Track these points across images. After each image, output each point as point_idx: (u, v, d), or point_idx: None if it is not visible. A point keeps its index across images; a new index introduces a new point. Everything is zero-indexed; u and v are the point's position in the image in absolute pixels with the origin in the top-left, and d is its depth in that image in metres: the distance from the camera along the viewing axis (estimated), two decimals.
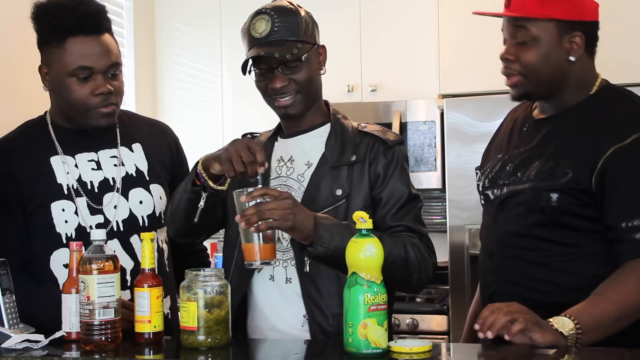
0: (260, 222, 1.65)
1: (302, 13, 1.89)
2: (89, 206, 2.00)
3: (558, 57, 1.82)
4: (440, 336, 3.26)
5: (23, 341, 1.70)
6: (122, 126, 2.11)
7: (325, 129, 1.96)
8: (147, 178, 2.09)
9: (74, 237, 1.96)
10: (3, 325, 1.76)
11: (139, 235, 1.88)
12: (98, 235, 1.69)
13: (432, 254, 1.84)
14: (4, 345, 1.69)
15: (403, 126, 3.56)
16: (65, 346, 1.73)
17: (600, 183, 1.75)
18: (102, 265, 1.66)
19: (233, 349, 1.69)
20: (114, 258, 1.69)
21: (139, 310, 1.70)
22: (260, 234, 1.68)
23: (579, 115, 1.85)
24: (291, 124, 1.97)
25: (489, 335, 1.55)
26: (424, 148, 3.56)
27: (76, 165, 2.01)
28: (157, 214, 2.08)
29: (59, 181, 1.99)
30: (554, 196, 1.78)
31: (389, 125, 3.30)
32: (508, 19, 1.86)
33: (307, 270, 1.82)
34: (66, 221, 1.97)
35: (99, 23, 1.97)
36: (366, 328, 1.52)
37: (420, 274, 1.80)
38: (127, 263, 2.00)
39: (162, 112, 3.95)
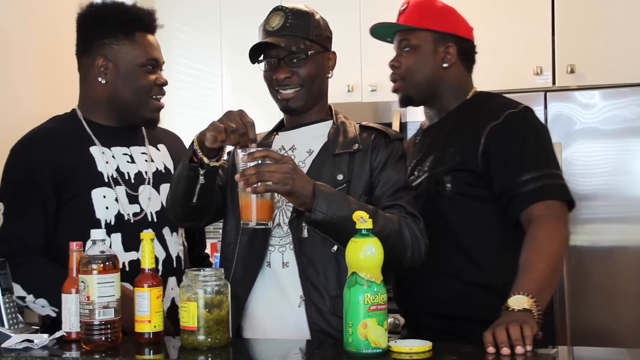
0: (259, 184, 1.65)
1: (317, 17, 1.96)
2: (127, 195, 2.08)
3: (433, 63, 2.09)
4: None
5: (23, 341, 1.70)
6: (147, 129, 2.24)
7: (328, 123, 2.00)
8: None
9: (112, 223, 2.04)
10: (3, 325, 1.76)
11: (170, 228, 2.11)
12: (98, 235, 1.70)
13: (425, 235, 1.86)
14: (4, 345, 1.70)
15: (403, 126, 3.56)
16: (65, 346, 1.73)
17: (485, 160, 1.97)
18: (102, 265, 1.66)
19: (233, 349, 1.69)
20: (114, 258, 1.69)
21: (139, 310, 1.70)
22: (258, 194, 1.68)
23: (459, 114, 2.10)
24: (293, 120, 2.00)
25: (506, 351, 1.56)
26: None
27: (113, 157, 2.11)
28: None
29: (99, 169, 2.07)
30: (447, 178, 2.00)
31: (389, 125, 3.29)
32: (396, 33, 2.13)
33: (305, 236, 1.82)
34: (107, 207, 2.05)
35: (155, 25, 2.17)
36: (366, 328, 1.53)
37: (414, 252, 1.82)
38: (159, 253, 2.09)
39: (162, 112, 3.94)
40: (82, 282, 1.67)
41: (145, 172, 2.14)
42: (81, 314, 1.68)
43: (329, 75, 2.01)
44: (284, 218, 1.91)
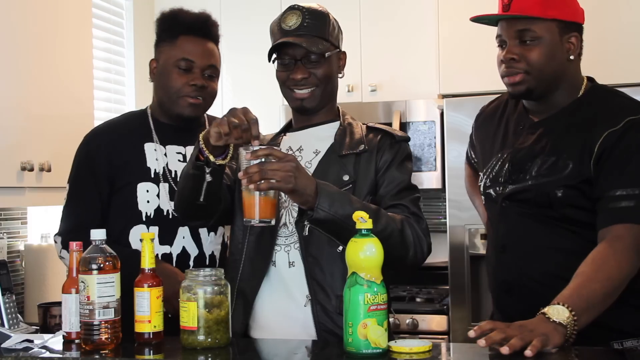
0: (261, 181, 1.65)
1: (331, 17, 1.98)
2: (170, 192, 2.19)
3: (560, 56, 1.91)
4: (440, 336, 3.25)
5: (23, 341, 1.70)
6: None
7: (335, 124, 2.01)
8: None
9: (152, 217, 2.18)
10: (3, 325, 1.76)
11: (208, 227, 2.20)
12: (98, 235, 1.70)
13: (428, 235, 1.87)
14: (4, 345, 1.70)
15: (403, 126, 3.56)
16: (65, 346, 1.73)
17: (597, 167, 1.82)
18: (102, 265, 1.66)
19: (233, 349, 1.69)
20: (114, 258, 1.69)
21: (139, 310, 1.70)
22: (262, 192, 1.68)
23: (572, 114, 1.93)
24: (303, 119, 2.01)
25: (482, 343, 1.52)
26: (424, 148, 3.56)
27: (165, 155, 2.23)
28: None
29: (148, 165, 2.21)
30: (559, 192, 1.85)
31: (389, 125, 3.30)
32: (508, 22, 1.92)
33: (306, 234, 1.82)
34: (148, 201, 2.18)
35: (208, 29, 2.23)
36: (366, 328, 1.53)
37: (416, 252, 1.83)
38: (192, 250, 2.20)
39: None
40: (82, 282, 1.67)
41: None
42: (81, 314, 1.68)
43: (341, 75, 2.02)
44: (290, 218, 1.92)
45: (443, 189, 3.45)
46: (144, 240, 1.72)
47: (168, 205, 2.18)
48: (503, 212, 1.98)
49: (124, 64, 3.86)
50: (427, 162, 3.56)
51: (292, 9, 1.95)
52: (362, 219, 1.57)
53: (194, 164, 1.82)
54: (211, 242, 2.23)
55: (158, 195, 2.19)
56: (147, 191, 2.19)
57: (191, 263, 2.19)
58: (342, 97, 3.65)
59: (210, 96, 2.23)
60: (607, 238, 1.76)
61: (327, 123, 2.01)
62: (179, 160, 2.23)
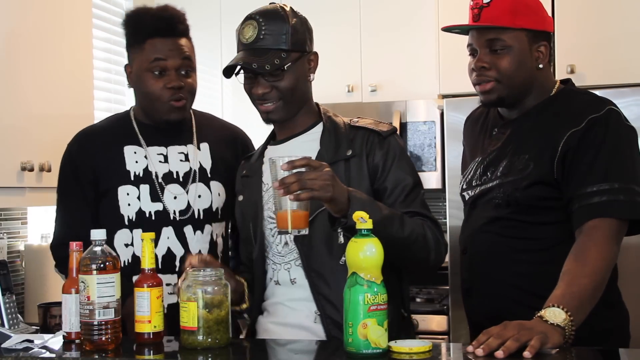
0: (300, 191, 1.64)
1: (293, 20, 1.88)
2: (151, 194, 2.17)
3: (530, 64, 1.96)
4: (440, 336, 3.25)
5: (23, 341, 1.70)
6: (197, 126, 2.29)
7: (318, 128, 1.96)
8: (209, 175, 2.24)
9: (134, 219, 2.16)
10: (3, 325, 1.76)
11: (193, 226, 2.17)
12: (98, 235, 1.70)
13: (443, 237, 1.88)
14: (4, 345, 1.70)
15: (403, 126, 3.56)
16: (65, 346, 1.73)
17: (561, 167, 1.86)
18: (102, 265, 1.66)
19: (233, 349, 1.69)
20: (114, 258, 1.69)
21: (139, 310, 1.70)
22: (295, 203, 1.67)
23: (538, 114, 1.97)
24: (283, 128, 1.97)
25: (480, 352, 1.53)
26: (424, 148, 3.56)
27: (146, 156, 2.20)
28: (214, 209, 2.21)
29: (127, 168, 2.18)
30: (518, 192, 1.89)
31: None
32: (478, 31, 1.98)
33: (342, 242, 1.74)
34: (129, 204, 2.16)
35: (174, 27, 2.18)
36: (366, 328, 1.52)
37: (437, 255, 1.84)
38: (178, 250, 2.16)
39: None
40: (82, 282, 1.67)
41: (177, 172, 2.21)
42: (81, 314, 1.68)
43: (311, 78, 1.95)
44: (286, 236, 1.89)
45: (443, 189, 3.45)
46: (144, 240, 1.72)
47: (150, 207, 2.16)
48: (469, 214, 2.06)
49: (123, 64, 3.85)
50: (427, 162, 3.56)
51: (249, 18, 1.90)
52: (362, 219, 1.57)
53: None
54: (197, 241, 2.18)
55: (139, 198, 2.16)
56: (128, 194, 2.16)
57: (177, 263, 2.15)
58: (342, 97, 3.67)
59: (190, 93, 2.19)
60: (584, 232, 1.79)
61: (309, 129, 1.96)
62: (160, 162, 2.20)
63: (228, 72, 1.92)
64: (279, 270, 1.91)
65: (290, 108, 1.91)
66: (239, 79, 1.94)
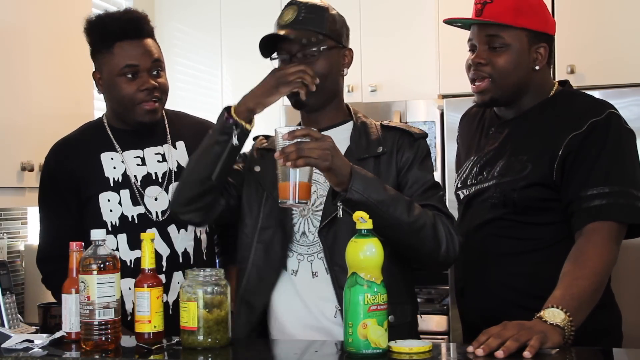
0: (299, 159, 1.65)
1: (332, 11, 1.93)
2: (131, 198, 2.19)
3: (526, 65, 1.95)
4: (440, 336, 3.25)
5: (23, 341, 1.70)
6: (170, 125, 2.31)
7: (348, 126, 1.97)
8: None
9: (117, 225, 2.17)
10: (3, 325, 1.76)
11: (177, 225, 2.19)
12: (98, 235, 1.70)
13: (458, 233, 1.85)
14: (4, 345, 1.70)
15: None
16: (65, 346, 1.73)
17: (561, 170, 1.86)
18: (102, 265, 1.66)
19: (233, 349, 1.69)
20: (114, 258, 1.69)
21: (139, 311, 1.70)
22: (297, 174, 1.67)
23: (537, 115, 1.97)
24: (309, 121, 1.95)
25: (480, 352, 1.53)
26: None
27: (123, 161, 2.22)
28: None
29: (106, 175, 2.21)
30: (515, 193, 1.89)
31: None
32: (479, 26, 1.98)
33: (340, 216, 1.75)
34: (111, 210, 2.18)
35: (141, 28, 2.18)
36: (366, 328, 1.52)
37: (448, 248, 1.80)
38: (163, 250, 2.18)
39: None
40: (82, 282, 1.67)
41: (155, 173, 2.23)
42: (81, 314, 1.68)
43: (344, 73, 1.96)
44: (310, 227, 1.89)
45: (443, 189, 3.44)
46: (144, 241, 1.72)
47: (132, 211, 2.18)
48: (464, 214, 2.06)
49: None
50: None
51: (291, 4, 1.92)
52: (362, 219, 1.57)
53: (223, 127, 1.82)
54: (182, 239, 2.20)
55: (120, 203, 2.18)
56: (109, 200, 2.18)
57: (164, 263, 2.16)
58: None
59: (164, 93, 2.21)
60: (584, 234, 1.79)
61: (337, 126, 1.95)
62: (138, 165, 2.22)
63: (266, 52, 1.91)
64: (302, 261, 1.89)
65: (319, 96, 1.89)
66: (273, 64, 1.93)
